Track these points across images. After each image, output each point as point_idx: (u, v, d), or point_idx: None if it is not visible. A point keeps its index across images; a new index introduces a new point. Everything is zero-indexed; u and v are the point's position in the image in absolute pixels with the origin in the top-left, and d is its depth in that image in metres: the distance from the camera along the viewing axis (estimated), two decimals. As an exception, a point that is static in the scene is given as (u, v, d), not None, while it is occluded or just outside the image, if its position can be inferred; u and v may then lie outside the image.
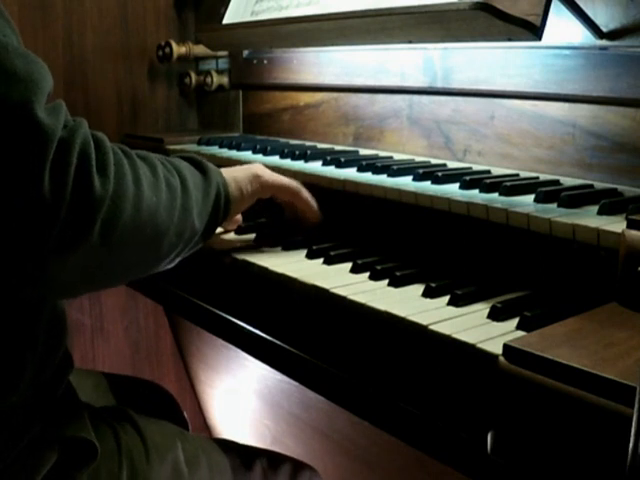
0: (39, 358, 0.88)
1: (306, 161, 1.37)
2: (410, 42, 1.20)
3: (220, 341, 1.28)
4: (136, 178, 0.80)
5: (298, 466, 1.22)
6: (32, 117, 0.70)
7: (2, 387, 0.84)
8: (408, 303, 0.89)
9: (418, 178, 1.16)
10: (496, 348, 0.73)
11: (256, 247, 1.18)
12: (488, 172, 1.22)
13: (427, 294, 0.91)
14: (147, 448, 1.01)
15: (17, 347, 0.85)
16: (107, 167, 0.76)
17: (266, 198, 1.15)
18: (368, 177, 1.20)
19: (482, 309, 0.86)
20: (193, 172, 0.96)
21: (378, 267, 1.00)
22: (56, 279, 0.77)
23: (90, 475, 0.92)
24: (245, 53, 1.84)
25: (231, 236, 1.26)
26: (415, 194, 1.08)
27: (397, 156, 1.40)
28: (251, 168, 1.12)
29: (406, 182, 1.15)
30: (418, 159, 1.37)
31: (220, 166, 1.49)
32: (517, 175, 1.18)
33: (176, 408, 1.37)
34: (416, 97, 1.40)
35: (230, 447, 1.17)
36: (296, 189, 1.16)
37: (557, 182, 1.12)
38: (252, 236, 1.24)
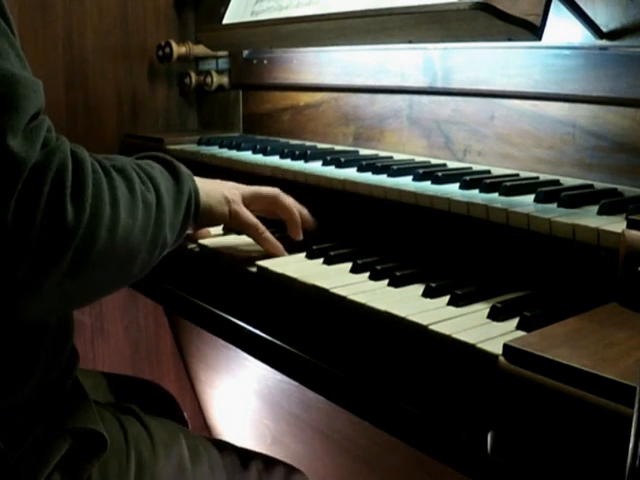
0: (48, 357, 0.89)
1: (306, 161, 1.37)
2: (410, 42, 1.20)
3: (220, 341, 1.28)
4: (113, 200, 0.78)
5: (291, 470, 1.23)
6: (1, 146, 0.68)
7: (13, 386, 0.85)
8: (408, 303, 0.89)
9: (418, 178, 1.16)
10: (496, 348, 0.73)
11: (255, 247, 1.18)
12: (488, 172, 1.22)
13: (427, 294, 0.91)
14: (154, 442, 1.02)
15: (26, 348, 0.87)
16: (84, 192, 0.74)
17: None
18: (368, 177, 1.20)
19: (482, 309, 0.86)
20: (166, 177, 0.94)
21: (378, 267, 1.00)
22: (28, 306, 0.76)
23: (100, 466, 0.94)
24: (245, 53, 1.84)
25: (231, 236, 1.26)
26: (415, 194, 1.08)
27: (397, 156, 1.40)
28: (223, 188, 1.09)
29: (406, 182, 1.15)
30: (418, 159, 1.37)
31: (220, 166, 1.51)
32: (517, 175, 1.18)
33: (176, 408, 1.37)
34: (416, 97, 1.40)
35: (226, 447, 1.17)
36: (259, 231, 1.12)
37: (557, 182, 1.12)
38: (252, 236, 1.24)
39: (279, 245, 1.13)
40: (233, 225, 1.12)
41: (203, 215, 1.04)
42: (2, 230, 0.69)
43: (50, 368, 0.90)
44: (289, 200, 1.17)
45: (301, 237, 1.16)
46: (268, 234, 1.13)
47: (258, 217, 1.14)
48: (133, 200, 0.82)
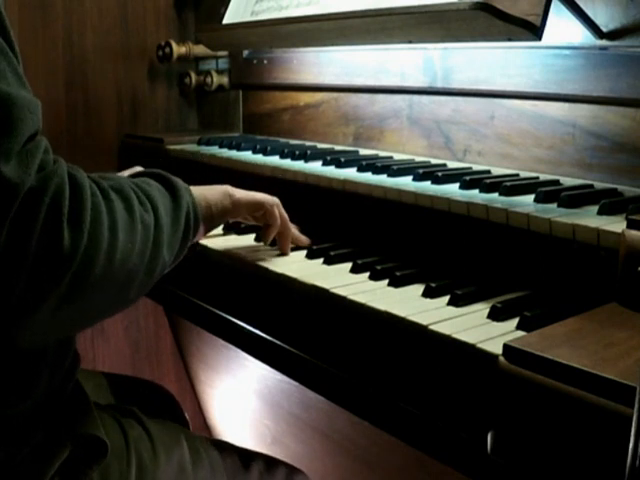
0: (51, 365, 0.89)
1: (306, 161, 1.37)
2: (410, 42, 1.20)
3: (220, 341, 1.28)
4: (112, 224, 0.76)
5: (292, 471, 1.23)
6: None
7: (16, 396, 0.84)
8: (408, 303, 0.89)
9: (418, 178, 1.16)
10: (496, 348, 0.73)
11: (255, 247, 1.18)
12: (488, 172, 1.22)
13: (427, 294, 0.91)
14: (154, 445, 1.02)
15: (30, 358, 0.86)
16: (81, 217, 0.72)
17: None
18: (368, 177, 1.20)
19: (482, 309, 0.86)
20: (163, 194, 0.91)
21: (378, 267, 1.00)
22: (25, 333, 0.74)
23: (100, 472, 0.93)
24: (245, 53, 1.84)
25: (231, 236, 1.26)
26: (415, 194, 1.08)
27: (397, 156, 1.40)
28: (221, 187, 1.08)
29: (406, 182, 1.15)
30: (418, 159, 1.37)
31: (220, 166, 1.51)
32: (517, 175, 1.18)
33: (177, 408, 1.37)
34: (416, 97, 1.40)
35: (227, 448, 1.17)
36: (269, 205, 1.12)
37: (557, 182, 1.12)
38: (252, 236, 1.24)
39: (290, 226, 1.13)
40: (237, 214, 1.10)
41: (206, 220, 1.02)
42: None
43: (53, 375, 0.89)
44: (282, 212, 1.15)
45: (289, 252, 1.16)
46: (276, 210, 1.12)
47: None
48: (132, 222, 0.80)
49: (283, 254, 1.14)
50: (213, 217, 1.04)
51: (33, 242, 0.68)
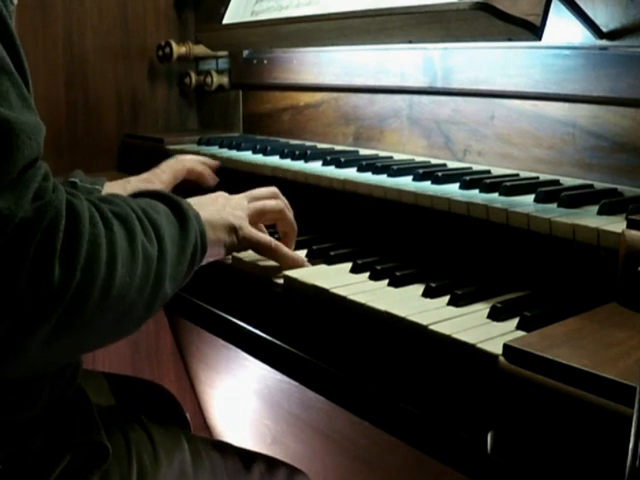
0: (53, 374, 0.88)
1: (306, 161, 1.37)
2: (410, 42, 1.20)
3: (220, 341, 1.29)
4: (111, 258, 0.72)
5: (293, 472, 1.22)
6: None
7: (19, 404, 0.83)
8: (408, 303, 0.89)
9: (418, 178, 1.16)
10: (496, 348, 0.73)
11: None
12: (488, 172, 1.22)
13: (427, 294, 0.91)
14: (155, 448, 1.02)
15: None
16: (76, 254, 0.68)
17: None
18: (368, 177, 1.20)
19: (482, 309, 0.86)
20: (171, 222, 0.87)
21: (378, 267, 1.00)
22: (12, 366, 0.72)
23: (102, 476, 0.92)
24: (245, 53, 1.84)
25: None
26: (415, 194, 1.08)
27: (397, 156, 1.40)
28: (228, 216, 1.01)
29: (406, 182, 1.15)
30: (418, 159, 1.37)
31: (220, 166, 1.51)
32: (517, 175, 1.18)
33: (178, 409, 1.37)
34: (416, 97, 1.40)
35: (228, 449, 1.17)
36: (272, 248, 1.06)
37: (557, 182, 1.12)
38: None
39: (297, 257, 1.07)
40: (244, 248, 1.06)
41: (212, 250, 0.97)
42: None
43: (56, 383, 0.88)
44: (291, 216, 1.12)
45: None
46: (282, 248, 1.07)
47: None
48: (133, 255, 0.76)
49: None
50: (219, 250, 1.00)
51: (23, 277, 0.65)
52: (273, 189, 1.13)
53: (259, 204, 1.08)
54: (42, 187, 0.68)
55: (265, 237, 1.06)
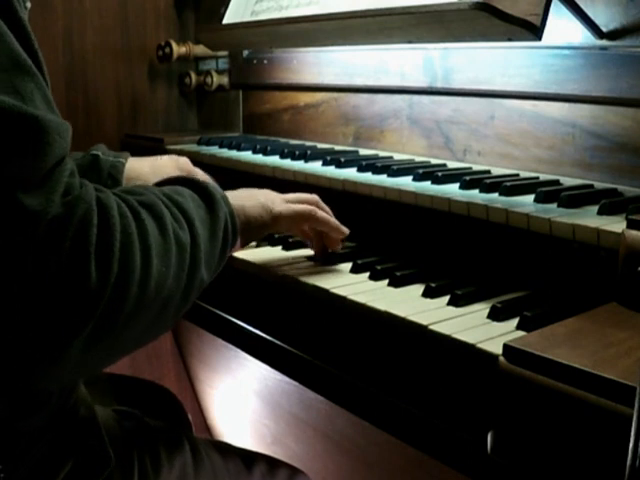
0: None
1: (306, 161, 1.37)
2: (410, 42, 1.20)
3: (220, 341, 1.28)
4: (145, 248, 0.69)
5: (294, 472, 1.22)
6: (12, 200, 0.61)
7: (27, 412, 0.81)
8: (408, 303, 0.89)
9: (418, 178, 1.16)
10: (496, 348, 0.73)
11: (256, 247, 1.18)
12: (488, 172, 1.22)
13: (427, 294, 0.91)
14: (157, 451, 1.01)
15: None
16: (111, 247, 0.66)
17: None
18: (368, 177, 1.20)
19: (482, 309, 0.86)
20: (198, 205, 0.84)
21: (378, 267, 1.00)
22: (47, 377, 0.68)
23: None
24: (245, 53, 1.84)
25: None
26: (415, 194, 1.08)
27: (397, 156, 1.40)
28: (259, 197, 0.99)
29: (406, 182, 1.15)
30: (418, 159, 1.37)
31: (220, 166, 1.51)
32: (517, 175, 1.18)
33: (180, 410, 1.36)
34: (416, 97, 1.40)
35: (229, 450, 1.17)
36: (310, 214, 1.03)
37: (557, 182, 1.12)
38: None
39: (335, 222, 1.05)
40: (278, 230, 1.03)
41: (244, 233, 0.94)
42: (17, 295, 0.62)
43: (65, 388, 0.87)
44: (323, 214, 1.06)
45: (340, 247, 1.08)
46: (321, 213, 1.03)
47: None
48: (165, 244, 0.73)
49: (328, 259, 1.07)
50: (251, 231, 0.97)
51: (58, 279, 0.62)
52: (314, 197, 1.08)
53: (292, 195, 1.04)
54: (70, 184, 0.66)
55: (301, 205, 1.02)
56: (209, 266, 0.82)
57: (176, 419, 1.27)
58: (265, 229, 0.99)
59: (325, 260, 1.07)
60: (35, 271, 0.62)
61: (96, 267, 0.64)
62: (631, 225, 0.78)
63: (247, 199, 0.97)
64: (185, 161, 1.24)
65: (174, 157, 1.30)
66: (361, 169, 1.25)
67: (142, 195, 0.76)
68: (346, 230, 1.06)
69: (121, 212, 0.69)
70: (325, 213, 1.05)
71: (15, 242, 0.61)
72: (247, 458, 1.16)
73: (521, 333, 0.78)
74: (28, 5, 0.75)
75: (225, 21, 1.58)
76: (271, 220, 0.98)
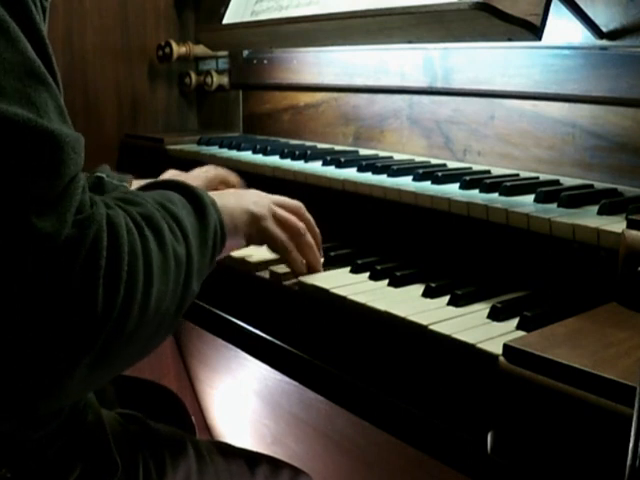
0: None
1: (306, 161, 1.37)
2: (410, 42, 1.20)
3: (220, 341, 1.28)
4: (147, 270, 0.68)
5: (297, 473, 1.22)
6: (25, 223, 0.59)
7: (41, 424, 0.81)
8: (408, 303, 0.89)
9: (418, 178, 1.16)
10: (496, 348, 0.73)
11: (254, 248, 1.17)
12: (488, 172, 1.22)
13: (427, 294, 0.91)
14: (161, 455, 1.00)
15: None
16: (119, 270, 0.64)
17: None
18: (368, 177, 1.20)
19: (482, 309, 0.86)
20: (189, 212, 0.82)
21: (378, 267, 1.00)
22: (49, 403, 0.67)
23: None
24: (245, 53, 1.84)
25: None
26: (415, 194, 1.08)
27: (397, 156, 1.40)
28: (249, 204, 0.97)
29: (406, 182, 1.15)
30: (418, 159, 1.37)
31: (220, 166, 1.51)
32: (517, 175, 1.18)
33: (183, 411, 1.36)
34: (416, 97, 1.40)
35: (232, 452, 1.16)
36: (288, 250, 1.01)
37: (557, 182, 1.12)
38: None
39: (312, 263, 1.03)
40: (257, 242, 1.01)
41: (232, 241, 0.93)
42: (23, 319, 0.60)
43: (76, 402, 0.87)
44: (310, 240, 1.05)
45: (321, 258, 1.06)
46: (295, 253, 1.02)
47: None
48: (165, 260, 0.72)
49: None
50: (237, 239, 0.95)
51: (64, 304, 0.61)
52: (299, 204, 1.06)
53: (281, 213, 1.02)
54: (82, 201, 0.64)
55: (283, 236, 1.00)
56: (200, 276, 0.81)
57: (179, 421, 1.27)
58: (250, 240, 0.98)
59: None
60: (42, 295, 0.60)
61: (103, 292, 0.63)
62: (631, 225, 0.78)
63: (236, 206, 0.95)
64: (225, 172, 1.20)
65: (213, 166, 1.24)
66: (361, 169, 1.25)
67: (140, 206, 0.75)
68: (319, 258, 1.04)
69: (128, 229, 0.68)
70: (310, 239, 1.03)
71: (24, 265, 0.60)
72: (250, 459, 1.16)
73: (521, 333, 0.78)
74: (46, 5, 0.73)
75: (225, 21, 1.58)
76: (256, 232, 0.97)
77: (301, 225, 1.03)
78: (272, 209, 1.00)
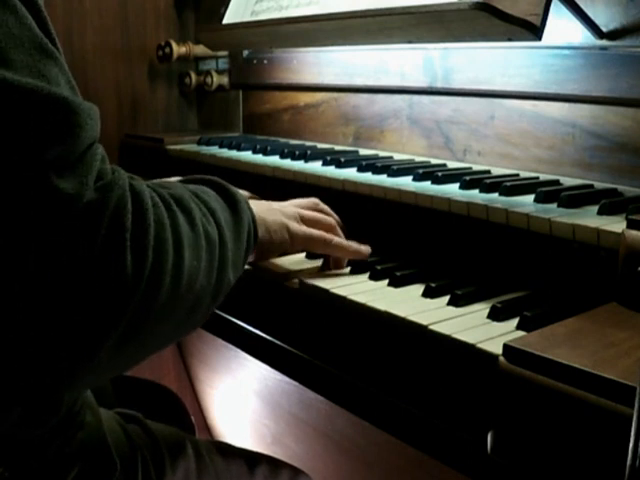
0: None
1: (306, 161, 1.37)
2: (410, 42, 1.20)
3: (220, 341, 1.28)
4: (177, 240, 0.66)
5: (297, 473, 1.22)
6: (46, 184, 0.58)
7: (39, 421, 0.79)
8: (408, 303, 0.89)
9: (418, 178, 1.16)
10: (496, 348, 0.73)
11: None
12: (488, 172, 1.22)
13: (427, 294, 0.91)
14: (160, 455, 1.00)
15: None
16: (146, 235, 0.62)
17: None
18: (368, 177, 1.20)
19: (482, 309, 0.86)
20: (223, 207, 0.81)
21: (378, 267, 1.00)
22: (77, 380, 0.64)
23: None
24: (245, 53, 1.84)
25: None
26: (415, 194, 1.08)
27: (397, 156, 1.40)
28: (279, 214, 0.97)
29: (406, 182, 1.15)
30: (418, 159, 1.37)
31: (220, 166, 1.51)
32: (517, 175, 1.18)
33: (182, 411, 1.36)
34: (416, 97, 1.40)
35: (231, 452, 1.16)
36: (325, 242, 1.01)
37: (557, 182, 1.12)
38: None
39: (355, 246, 1.04)
40: (295, 249, 1.01)
41: (262, 246, 0.93)
42: (47, 288, 0.58)
43: (75, 400, 0.86)
44: (340, 240, 1.05)
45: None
46: (337, 239, 1.02)
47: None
48: (196, 238, 0.70)
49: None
50: (272, 244, 0.95)
51: (92, 268, 0.58)
52: (315, 200, 1.08)
53: (309, 214, 1.03)
54: (102, 169, 0.63)
55: (317, 231, 1.01)
56: (235, 267, 0.80)
57: (179, 421, 1.27)
58: (284, 246, 0.98)
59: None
60: (69, 260, 0.58)
61: (132, 255, 0.60)
62: (631, 225, 0.78)
63: (268, 213, 0.95)
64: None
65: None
66: (361, 169, 1.25)
67: (170, 189, 0.73)
68: (366, 251, 1.05)
69: (154, 202, 0.66)
70: (340, 239, 1.04)
71: (48, 228, 0.58)
72: (249, 459, 1.16)
73: (521, 333, 0.78)
74: None
75: (225, 21, 1.58)
76: (290, 239, 0.98)
77: (330, 220, 1.05)
78: (299, 213, 1.02)
